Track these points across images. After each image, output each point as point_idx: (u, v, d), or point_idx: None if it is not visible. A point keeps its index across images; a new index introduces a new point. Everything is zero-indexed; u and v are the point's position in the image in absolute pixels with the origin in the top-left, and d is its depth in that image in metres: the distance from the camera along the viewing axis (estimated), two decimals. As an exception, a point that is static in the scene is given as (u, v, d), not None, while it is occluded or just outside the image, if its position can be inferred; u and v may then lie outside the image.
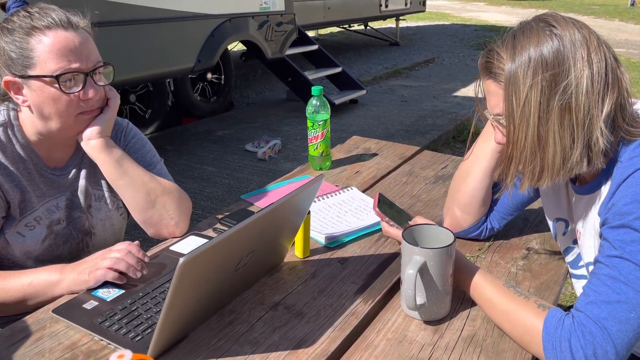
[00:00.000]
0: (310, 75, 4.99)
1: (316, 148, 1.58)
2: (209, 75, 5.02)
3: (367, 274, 1.07)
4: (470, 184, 1.14)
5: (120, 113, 4.39)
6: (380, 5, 8.12)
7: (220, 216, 1.32)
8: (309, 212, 1.10)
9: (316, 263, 1.12)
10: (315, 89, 1.55)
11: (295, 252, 1.14)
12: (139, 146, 1.28)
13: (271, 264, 1.08)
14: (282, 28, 4.74)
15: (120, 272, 1.00)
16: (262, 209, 0.88)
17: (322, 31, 10.81)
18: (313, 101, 1.56)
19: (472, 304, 0.97)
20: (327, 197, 1.36)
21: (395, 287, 1.04)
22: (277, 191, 1.44)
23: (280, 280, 1.06)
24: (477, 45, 9.85)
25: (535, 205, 1.28)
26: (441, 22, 13.82)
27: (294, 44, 5.16)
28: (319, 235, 1.19)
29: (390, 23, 11.31)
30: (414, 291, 0.88)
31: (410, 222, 1.05)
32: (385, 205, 1.08)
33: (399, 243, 1.05)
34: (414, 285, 0.88)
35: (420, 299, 0.92)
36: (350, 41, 10.27)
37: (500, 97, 0.92)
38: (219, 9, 3.96)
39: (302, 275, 1.07)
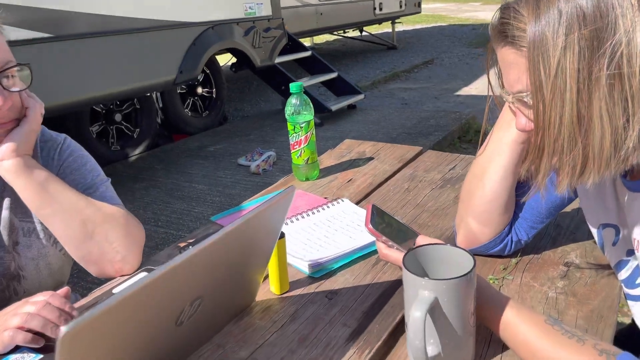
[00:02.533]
0: (305, 82, 4.77)
1: (300, 155, 1.34)
2: (199, 90, 4.82)
3: (362, 312, 0.83)
4: (488, 186, 0.89)
5: (106, 134, 4.22)
6: (375, 9, 7.92)
7: (182, 244, 1.08)
8: (282, 235, 0.86)
9: (297, 300, 0.87)
10: (293, 86, 1.32)
11: (270, 287, 0.90)
12: (77, 165, 1.05)
13: (238, 306, 0.84)
14: (270, 34, 4.53)
15: (36, 332, 0.77)
16: (206, 238, 0.64)
17: (317, 39, 10.63)
18: (292, 100, 1.32)
19: (504, 347, 0.72)
20: (313, 214, 1.12)
21: (400, 328, 0.79)
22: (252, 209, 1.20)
23: (249, 328, 0.81)
24: (477, 42, 9.63)
25: (569, 205, 1.03)
26: (438, 24, 13.62)
27: (286, 52, 4.95)
28: (301, 263, 0.95)
29: (386, 27, 11.12)
30: (424, 340, 0.63)
31: (416, 241, 0.81)
32: (380, 220, 0.84)
33: (401, 268, 0.81)
34: (423, 331, 0.63)
35: (433, 349, 0.67)
36: (346, 48, 10.08)
37: (522, 68, 0.68)
38: (200, 17, 3.76)
39: (278, 318, 0.83)
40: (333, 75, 5.13)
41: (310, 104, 1.34)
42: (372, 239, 1.00)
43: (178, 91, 4.54)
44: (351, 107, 5.02)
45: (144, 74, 3.44)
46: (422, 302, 0.63)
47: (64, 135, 1.09)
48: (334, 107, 4.66)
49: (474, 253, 0.94)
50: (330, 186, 1.32)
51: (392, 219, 0.87)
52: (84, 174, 1.04)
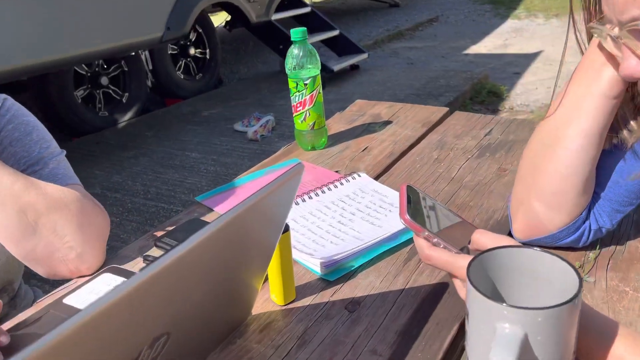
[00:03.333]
0: (304, 41, 4.45)
1: (304, 119, 1.10)
2: (192, 51, 4.51)
3: (396, 332, 0.61)
4: (563, 158, 0.66)
5: (92, 99, 3.95)
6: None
7: (159, 233, 0.85)
8: (287, 228, 0.63)
9: (307, 314, 0.65)
10: (295, 32, 1.06)
11: (271, 295, 0.68)
12: (19, 134, 0.81)
13: (228, 324, 0.62)
14: (266, -14, 4.20)
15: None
16: (183, 240, 0.41)
17: (316, -2, 10.16)
18: (294, 51, 1.07)
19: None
20: (323, 192, 0.89)
21: (451, 356, 0.58)
22: (248, 186, 0.97)
23: (243, 356, 0.59)
24: (483, -1, 9.20)
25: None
26: (441, -20, 13.05)
27: (284, 7, 4.61)
28: (310, 260, 0.72)
29: (387, -16, 10.61)
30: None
31: (473, 238, 0.58)
32: (419, 208, 0.61)
33: (452, 276, 0.58)
34: (506, 386, 0.41)
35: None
36: (346, 6, 9.64)
37: None
38: (188, -34, 3.43)
39: (282, 341, 0.61)
40: (335, 32, 4.81)
41: (317, 55, 1.09)
42: (401, 226, 0.77)
43: (169, 52, 4.24)
44: (354, 67, 4.71)
45: (128, 30, 3.14)
46: (506, 343, 0.41)
47: (3, 95, 0.85)
48: (336, 68, 4.36)
49: (537, 245, 0.72)
50: (342, 157, 1.09)
51: (435, 205, 0.64)
52: (27, 146, 0.81)
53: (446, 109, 1.29)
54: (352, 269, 0.71)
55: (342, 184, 0.91)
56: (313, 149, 1.13)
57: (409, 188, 0.62)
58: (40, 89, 3.47)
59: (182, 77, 4.44)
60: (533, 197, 0.69)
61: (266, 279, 0.69)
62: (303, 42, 1.07)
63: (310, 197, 0.88)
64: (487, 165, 0.99)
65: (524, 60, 4.72)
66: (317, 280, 0.71)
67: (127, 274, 0.75)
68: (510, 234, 0.77)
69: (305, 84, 1.07)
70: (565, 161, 0.66)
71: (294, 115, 1.12)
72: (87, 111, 3.71)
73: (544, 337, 0.42)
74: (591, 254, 0.71)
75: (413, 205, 0.60)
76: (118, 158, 3.13)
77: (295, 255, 0.73)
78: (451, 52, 5.52)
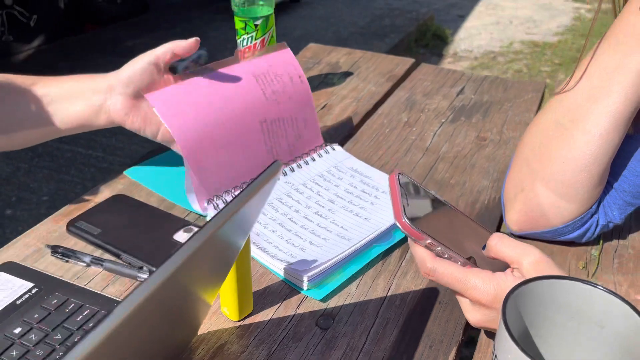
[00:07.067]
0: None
1: (253, 68, 0.92)
2: (113, -32, 4.00)
3: (383, 357, 0.49)
4: (583, 142, 0.55)
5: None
6: None
7: (70, 221, 0.67)
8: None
9: (269, 333, 0.52)
10: (245, -41, 0.86)
11: (222, 309, 0.54)
12: None
13: (168, 351, 0.48)
14: None
15: None
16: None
17: None
18: (243, -18, 0.87)
19: None
20: (292, 170, 0.73)
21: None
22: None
23: (188, 400, 0.46)
24: None
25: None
26: None
27: None
28: (290, 272, 0.57)
29: None
30: None
31: (489, 245, 0.47)
32: (416, 205, 0.48)
33: (458, 293, 0.47)
34: None
35: None
36: None
37: None
38: None
39: (239, 373, 0.48)
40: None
41: (270, -10, 0.89)
42: (390, 218, 0.64)
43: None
44: (294, 0, 4.41)
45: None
46: None
47: None
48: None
49: (535, 239, 0.62)
50: (298, 114, 0.93)
51: (435, 200, 0.51)
52: None
53: (411, 60, 1.15)
54: (341, 282, 0.57)
55: (313, 159, 0.75)
56: (263, 103, 0.96)
57: (401, 178, 0.49)
58: None
59: (101, -1, 3.96)
60: (538, 185, 0.58)
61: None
62: (254, -27, 0.87)
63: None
64: (465, 131, 0.88)
65: (468, 3, 4.61)
66: (278, 282, 0.57)
67: (28, 273, 0.58)
68: (501, 224, 0.67)
69: (256, 25, 0.89)
70: (584, 147, 0.54)
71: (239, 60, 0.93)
72: (-12, 34, 3.22)
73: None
74: (594, 251, 0.62)
75: (408, 202, 0.47)
76: (27, 91, 2.75)
77: (264, 260, 0.58)
78: (395, -11, 5.30)
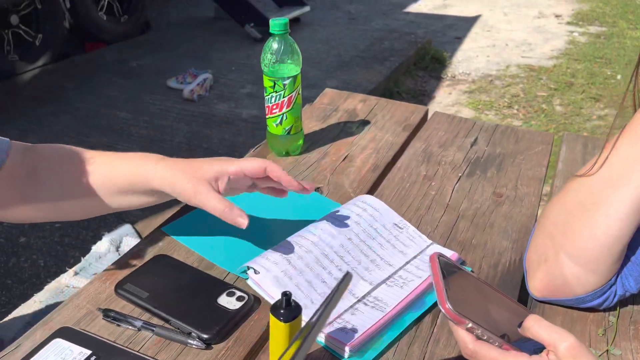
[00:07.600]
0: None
1: (280, 122, 0.97)
2: (117, -12, 4.04)
3: None
4: (603, 226, 0.59)
5: (0, 40, 3.46)
6: None
7: (120, 280, 0.70)
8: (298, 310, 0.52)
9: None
10: (276, 24, 0.91)
11: (273, 378, 0.57)
12: None
13: None
14: None
15: None
16: None
17: None
18: (273, 45, 0.92)
19: None
20: (321, 227, 0.77)
21: None
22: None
23: None
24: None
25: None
26: None
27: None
28: (334, 342, 0.60)
29: None
30: None
31: (527, 326, 0.51)
32: (457, 288, 0.52)
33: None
34: None
35: None
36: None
37: None
38: None
39: None
40: (274, -20, 4.50)
41: (298, 50, 0.94)
42: (422, 285, 0.68)
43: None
44: (294, 20, 4.47)
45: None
46: None
47: None
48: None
49: (556, 304, 0.66)
50: (321, 167, 0.97)
51: (472, 281, 0.55)
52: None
53: (425, 108, 1.20)
54: (380, 349, 0.61)
55: (350, 211, 0.78)
56: (287, 154, 1.01)
57: (441, 260, 0.53)
58: None
59: (104, 18, 4.00)
60: (562, 257, 0.63)
61: (265, 356, 0.58)
62: (284, 37, 0.92)
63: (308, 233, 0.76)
64: (481, 187, 0.92)
65: (464, 24, 4.70)
66: (320, 350, 0.61)
67: (84, 339, 0.61)
68: (522, 288, 0.71)
69: (284, 85, 0.93)
70: (606, 229, 0.59)
71: (267, 116, 0.98)
72: (-7, 54, 3.25)
73: None
74: (612, 318, 0.67)
75: (449, 285, 0.51)
76: (35, 114, 2.78)
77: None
78: (392, 9, 5.38)
